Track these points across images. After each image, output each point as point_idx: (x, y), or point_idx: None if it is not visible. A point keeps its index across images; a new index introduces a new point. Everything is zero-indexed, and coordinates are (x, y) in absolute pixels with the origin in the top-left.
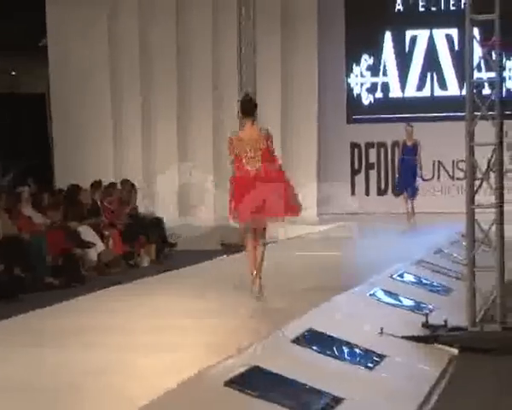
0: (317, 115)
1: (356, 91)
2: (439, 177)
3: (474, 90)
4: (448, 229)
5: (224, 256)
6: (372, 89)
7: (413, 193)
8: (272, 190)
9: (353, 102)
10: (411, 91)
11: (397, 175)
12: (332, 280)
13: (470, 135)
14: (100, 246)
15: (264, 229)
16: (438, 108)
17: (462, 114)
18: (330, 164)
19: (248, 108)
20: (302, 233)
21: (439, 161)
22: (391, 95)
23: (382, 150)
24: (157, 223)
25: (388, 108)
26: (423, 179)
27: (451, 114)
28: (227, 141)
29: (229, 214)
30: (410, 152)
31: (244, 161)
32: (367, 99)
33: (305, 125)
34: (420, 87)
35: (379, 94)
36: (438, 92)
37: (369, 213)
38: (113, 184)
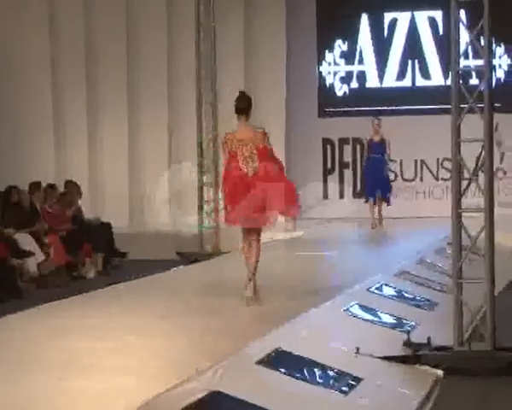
0: (285, 109)
1: (328, 81)
2: (422, 177)
3: (461, 80)
4: (432, 235)
5: (181, 267)
6: (347, 78)
7: (386, 194)
8: (271, 189)
9: (325, 94)
10: (390, 81)
11: (364, 178)
12: (302, 293)
13: (456, 130)
14: (39, 255)
15: (260, 231)
16: (420, 99)
17: (448, 106)
18: (300, 163)
19: (242, 106)
20: (266, 240)
21: (421, 160)
22: (367, 85)
23: (358, 147)
24: (104, 229)
25: (365, 99)
26: (390, 170)
27: (435, 107)
28: (222, 139)
29: (224, 219)
30: (378, 149)
31: (240, 160)
32: (341, 90)
33: (271, 121)
34: (400, 76)
35: (354, 84)
36: (420, 82)
37: (344, 218)
38: (53, 186)
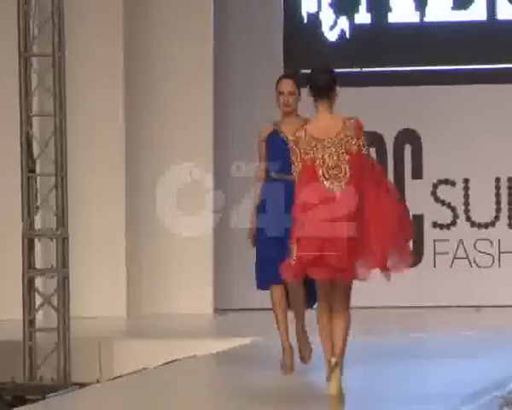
0: (214, 67)
1: (307, 10)
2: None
3: None
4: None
5: None
6: (344, 5)
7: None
8: (369, 226)
9: (301, 37)
10: (442, 12)
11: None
12: None
13: None
14: None
15: (348, 289)
16: (503, 51)
17: None
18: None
19: (321, 85)
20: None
21: (510, 179)
22: (392, 18)
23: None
24: None
25: (386, 49)
26: None
27: None
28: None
29: (287, 272)
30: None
31: (321, 172)
32: (333, 30)
33: (192, 92)
34: (462, 2)
35: (362, 17)
36: (504, 14)
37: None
38: None
